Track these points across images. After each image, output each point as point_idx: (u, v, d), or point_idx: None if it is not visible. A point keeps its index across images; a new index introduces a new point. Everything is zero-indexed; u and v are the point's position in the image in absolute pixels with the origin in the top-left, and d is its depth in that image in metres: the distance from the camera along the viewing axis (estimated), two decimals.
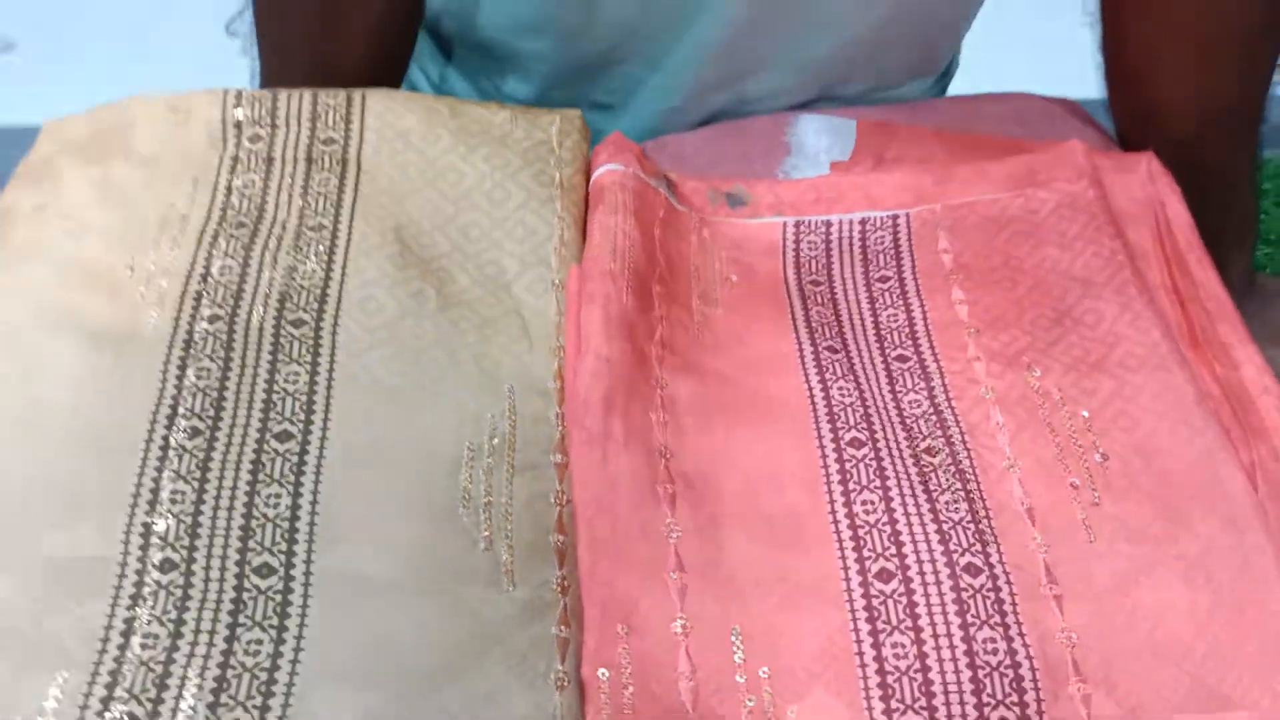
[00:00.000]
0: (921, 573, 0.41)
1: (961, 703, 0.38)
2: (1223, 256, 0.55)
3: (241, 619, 0.38)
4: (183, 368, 0.43)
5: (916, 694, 0.38)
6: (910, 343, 0.49)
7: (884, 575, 0.41)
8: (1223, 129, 0.59)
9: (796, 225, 0.54)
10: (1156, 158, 0.56)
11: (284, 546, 0.39)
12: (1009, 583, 0.40)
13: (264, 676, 0.37)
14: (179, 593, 0.38)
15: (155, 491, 0.40)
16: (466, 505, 0.42)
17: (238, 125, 0.52)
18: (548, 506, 0.42)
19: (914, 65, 0.70)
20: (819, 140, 0.59)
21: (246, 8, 0.58)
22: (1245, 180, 0.62)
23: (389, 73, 0.60)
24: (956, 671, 0.39)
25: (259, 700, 0.36)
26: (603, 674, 0.39)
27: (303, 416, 0.42)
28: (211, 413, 0.42)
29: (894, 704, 0.38)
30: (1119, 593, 0.41)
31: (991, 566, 0.41)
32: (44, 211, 0.48)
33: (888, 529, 0.42)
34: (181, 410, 0.42)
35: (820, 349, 0.48)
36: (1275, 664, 0.39)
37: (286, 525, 0.40)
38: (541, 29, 0.64)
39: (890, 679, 0.39)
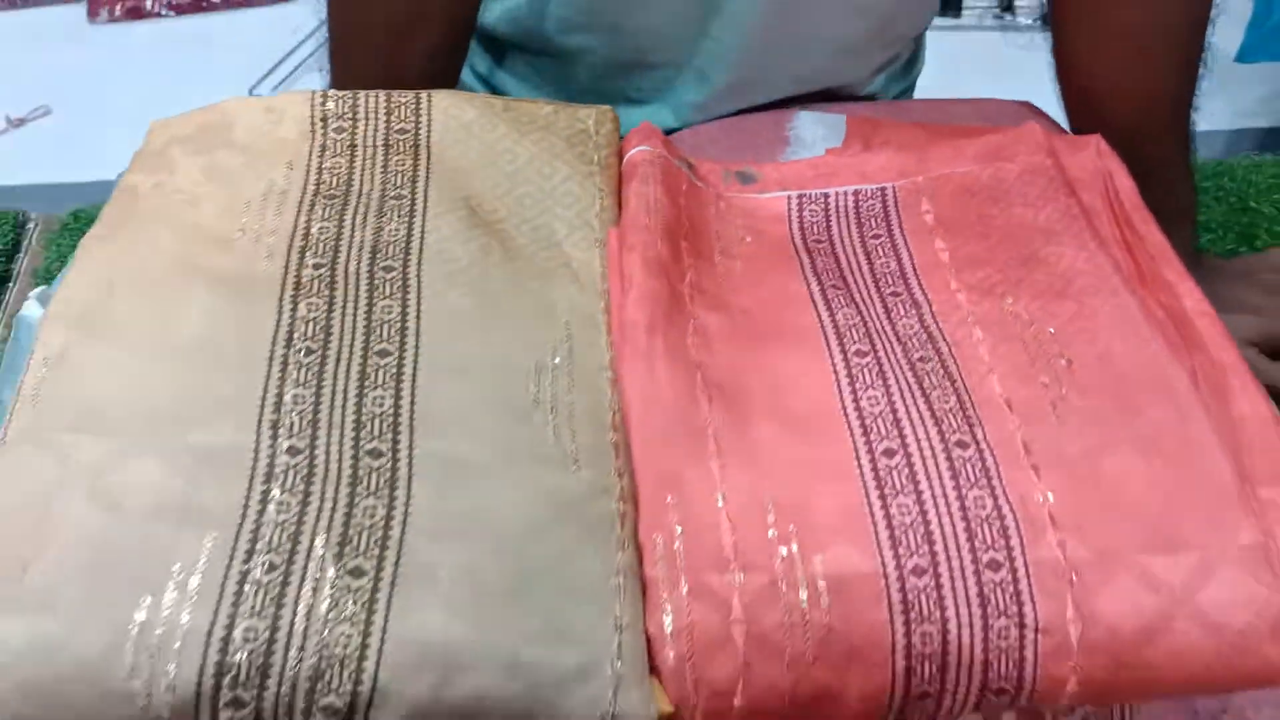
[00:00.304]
0: (920, 449, 0.48)
1: (958, 548, 0.45)
2: (1165, 232, 0.64)
3: (359, 490, 0.45)
4: (295, 303, 0.51)
5: (919, 542, 0.46)
6: (901, 282, 0.57)
7: (888, 453, 0.48)
8: (1158, 115, 0.68)
9: (799, 198, 0.62)
10: (1104, 139, 0.65)
11: (390, 436, 0.47)
12: (993, 455, 0.48)
13: (379, 534, 0.44)
14: (304, 471, 0.45)
15: (279, 397, 0.48)
16: (537, 408, 0.49)
17: (324, 119, 0.60)
18: (603, 411, 0.50)
19: (884, 64, 0.81)
20: (815, 131, 0.67)
21: (271, 72, 0.68)
22: (1182, 162, 0.71)
23: (446, 84, 0.70)
24: (953, 524, 0.46)
25: (376, 551, 0.43)
26: (656, 538, 0.46)
27: (398, 339, 0.50)
28: (321, 337, 0.50)
29: (901, 551, 0.45)
30: (1086, 463, 0.48)
31: (978, 443, 0.48)
32: (162, 188, 0.56)
33: (889, 417, 0.49)
34: (296, 335, 0.50)
35: (826, 288, 0.56)
36: (1215, 516, 0.47)
37: (391, 420, 0.47)
38: (588, 27, 0.75)
39: (898, 532, 0.46)
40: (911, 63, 0.89)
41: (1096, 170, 0.63)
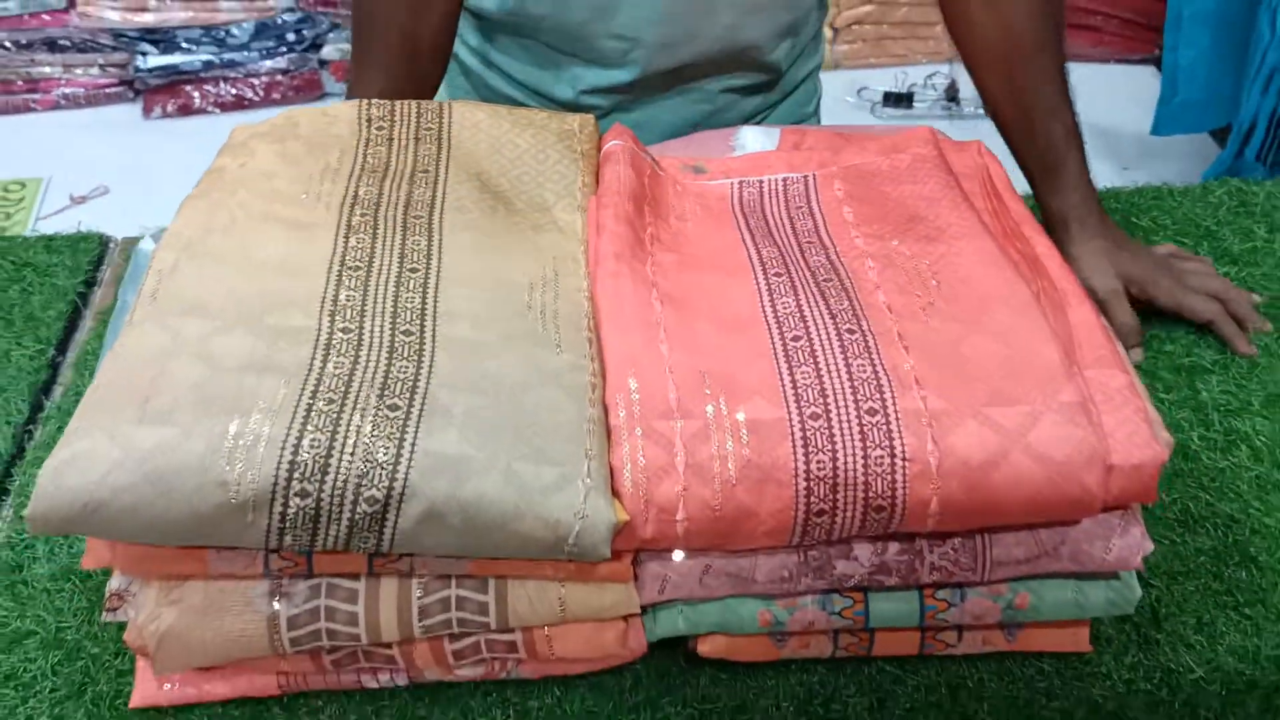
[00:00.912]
0: (819, 336, 0.62)
1: (844, 400, 0.59)
2: (1057, 158, 0.80)
3: (395, 357, 0.59)
4: (346, 239, 0.66)
5: (816, 397, 0.59)
6: (815, 235, 0.71)
7: (795, 339, 0.62)
8: (1031, 60, 0.86)
9: (740, 183, 0.78)
10: (983, 146, 0.80)
11: (418, 323, 0.61)
12: (874, 338, 0.62)
13: (409, 384, 0.57)
14: (354, 344, 0.59)
15: (336, 297, 0.62)
16: (530, 310, 0.63)
17: (369, 120, 0.76)
18: (580, 315, 0.64)
19: (788, 27, 1.01)
20: (755, 141, 0.83)
21: None
22: (1062, 99, 0.87)
23: (447, 49, 0.88)
24: (841, 384, 0.60)
25: (407, 396, 0.57)
26: (618, 397, 0.60)
27: (424, 262, 0.65)
28: (366, 260, 0.64)
29: (802, 403, 0.59)
30: (945, 346, 0.62)
31: (863, 331, 0.62)
32: (245, 167, 0.72)
33: (797, 315, 0.64)
34: (348, 259, 0.64)
35: (757, 238, 0.71)
36: (1045, 383, 0.60)
37: (419, 312, 0.61)
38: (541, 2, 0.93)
39: (800, 390, 0.60)
40: (816, 39, 1.09)
41: (977, 165, 0.78)
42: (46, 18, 1.92)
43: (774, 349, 0.62)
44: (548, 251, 0.68)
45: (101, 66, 1.95)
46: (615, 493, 0.58)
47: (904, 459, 0.58)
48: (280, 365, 0.58)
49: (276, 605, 0.60)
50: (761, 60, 1.01)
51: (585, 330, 0.64)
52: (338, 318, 0.61)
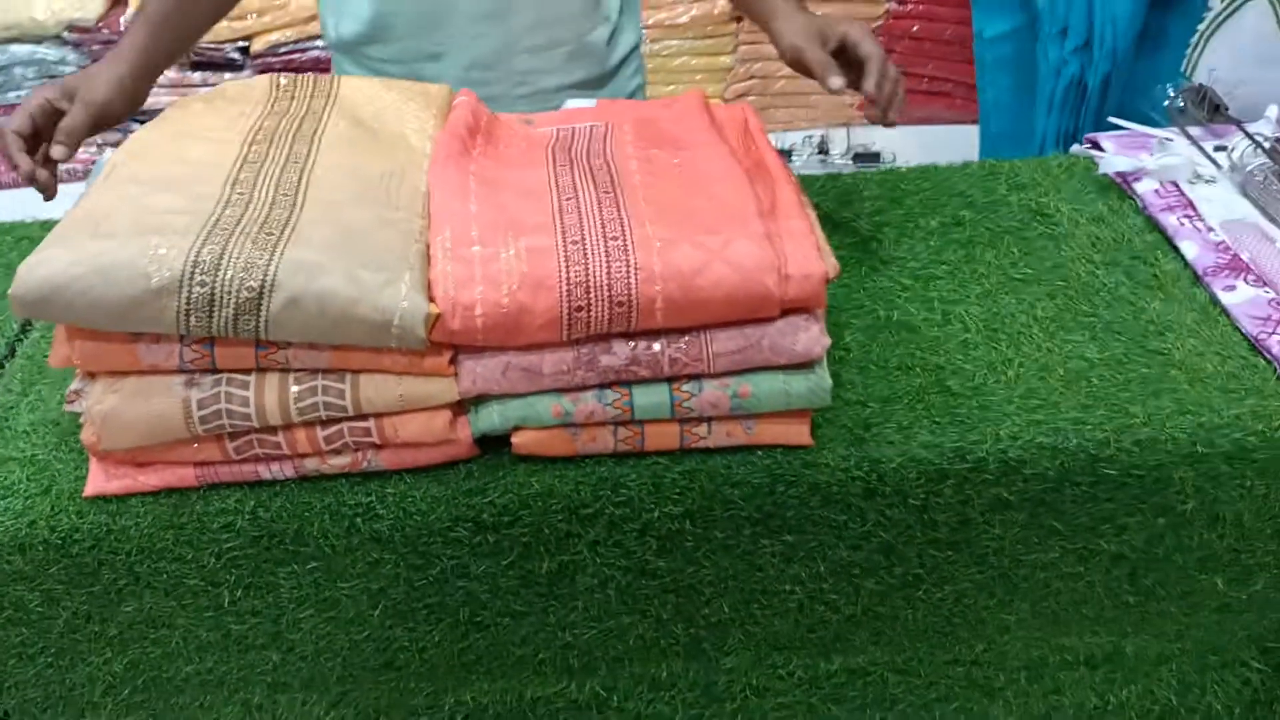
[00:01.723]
0: (585, 197, 0.85)
1: (596, 233, 0.81)
2: None
3: (274, 208, 0.81)
4: (249, 147, 0.88)
5: (576, 233, 0.81)
6: (602, 156, 0.94)
7: (567, 200, 0.85)
8: None
9: (557, 130, 1.01)
10: (749, 106, 1.04)
11: (293, 189, 0.83)
12: (623, 197, 0.84)
13: (282, 222, 0.79)
14: (246, 199, 0.81)
15: (235, 177, 0.84)
16: (380, 185, 0.86)
17: (278, 86, 0.99)
18: (420, 195, 0.86)
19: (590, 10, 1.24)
20: (577, 103, 1.07)
21: None
22: None
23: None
24: (594, 224, 0.82)
25: (279, 228, 0.78)
26: (437, 238, 0.82)
27: (304, 158, 0.87)
28: (260, 157, 0.87)
29: (567, 236, 0.81)
30: (676, 203, 0.84)
31: (616, 194, 0.85)
32: (183, 110, 0.95)
33: (572, 187, 0.86)
34: (249, 157, 0.87)
35: (559, 156, 0.94)
36: (742, 224, 0.82)
37: (295, 184, 0.84)
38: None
39: (566, 228, 0.82)
40: (627, 16, 1.29)
41: (737, 115, 1.02)
42: None
43: (551, 206, 0.85)
44: (399, 158, 0.91)
45: (99, 145, 2.22)
46: (431, 299, 0.79)
47: (635, 269, 0.79)
48: (191, 210, 0.80)
49: (189, 391, 0.80)
50: (585, 41, 1.24)
51: (419, 201, 0.86)
52: (236, 187, 0.83)
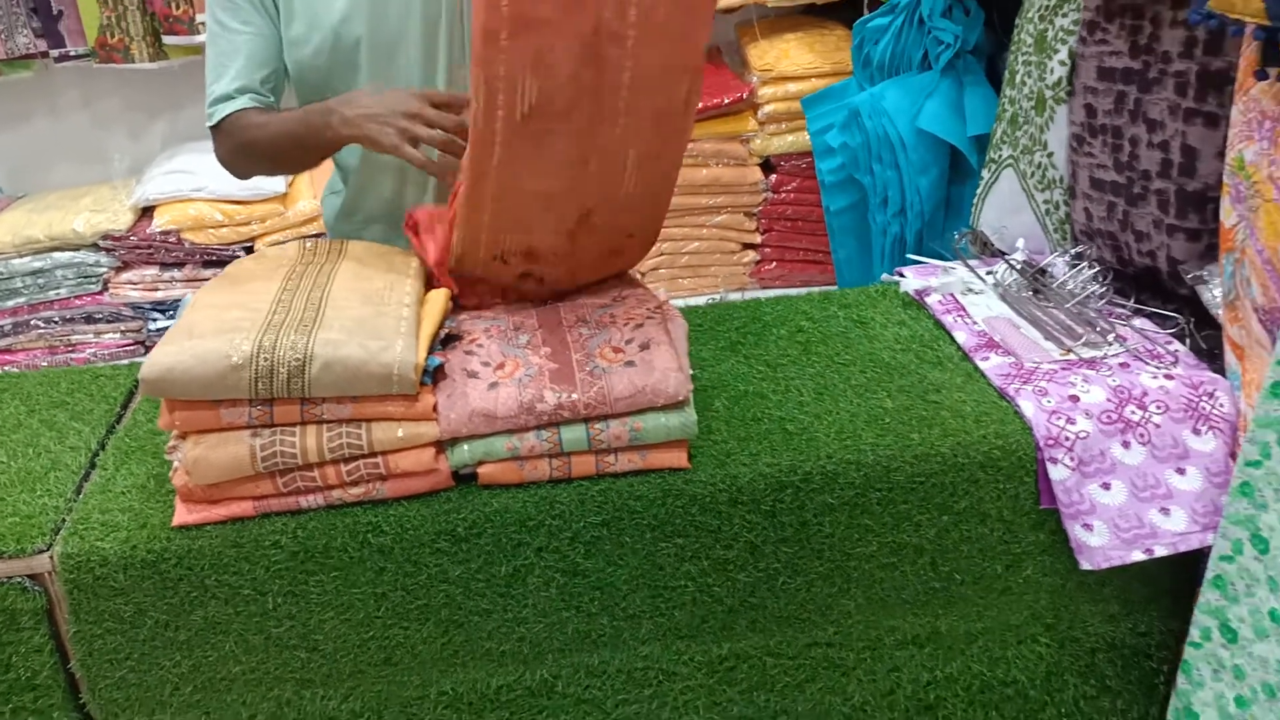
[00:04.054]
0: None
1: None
2: None
3: (305, 314, 1.14)
4: (285, 282, 1.22)
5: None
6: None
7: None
8: None
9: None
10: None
11: (317, 303, 1.17)
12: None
13: (312, 321, 1.13)
14: (286, 311, 1.15)
15: (279, 298, 1.18)
16: (379, 295, 1.20)
17: (304, 246, 1.34)
18: (405, 299, 1.21)
19: None
20: None
21: None
22: None
23: None
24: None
25: (310, 324, 1.12)
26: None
27: (324, 285, 1.21)
28: (294, 287, 1.21)
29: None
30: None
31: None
32: (238, 265, 1.30)
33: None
34: (287, 287, 1.21)
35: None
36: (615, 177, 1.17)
37: (320, 298, 1.17)
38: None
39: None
40: None
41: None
42: (88, 299, 2.52)
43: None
44: (389, 279, 1.25)
45: (122, 332, 2.53)
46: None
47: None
48: (252, 317, 1.13)
49: (254, 440, 1.11)
50: None
51: (405, 301, 1.20)
52: (280, 304, 1.16)
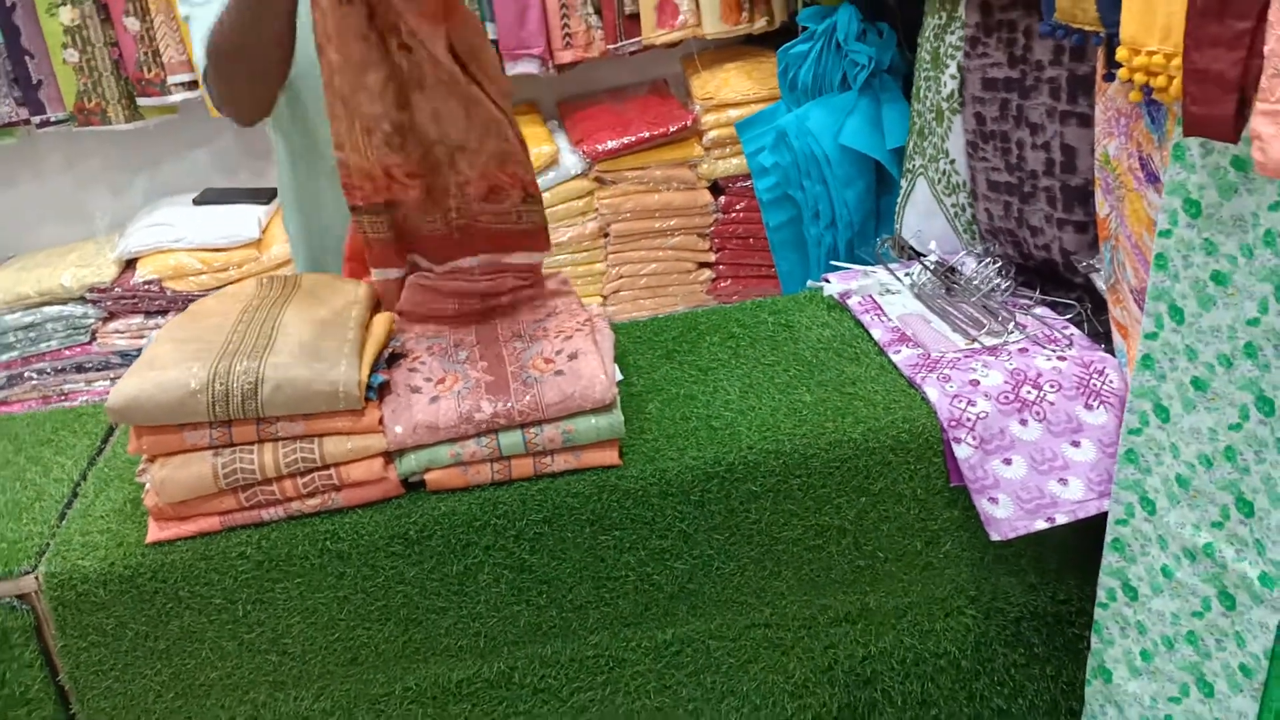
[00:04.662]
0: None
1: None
2: None
3: (257, 342, 1.24)
4: (242, 315, 1.32)
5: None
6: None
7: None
8: None
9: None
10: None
11: (270, 330, 1.26)
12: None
13: (263, 348, 1.22)
14: (240, 339, 1.24)
15: (235, 328, 1.27)
16: (322, 325, 1.29)
17: (262, 282, 1.44)
18: (350, 327, 1.30)
19: None
20: None
21: None
22: None
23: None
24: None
25: (262, 350, 1.21)
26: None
27: (276, 315, 1.31)
28: (249, 319, 1.30)
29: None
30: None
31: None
32: (201, 304, 1.39)
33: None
34: (242, 319, 1.30)
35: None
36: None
37: (272, 328, 1.27)
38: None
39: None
40: None
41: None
42: (77, 349, 2.62)
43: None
44: (337, 307, 1.34)
45: (111, 379, 2.62)
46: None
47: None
48: (209, 347, 1.22)
49: (216, 459, 1.20)
50: None
51: (351, 330, 1.29)
52: (235, 334, 1.25)
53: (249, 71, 1.39)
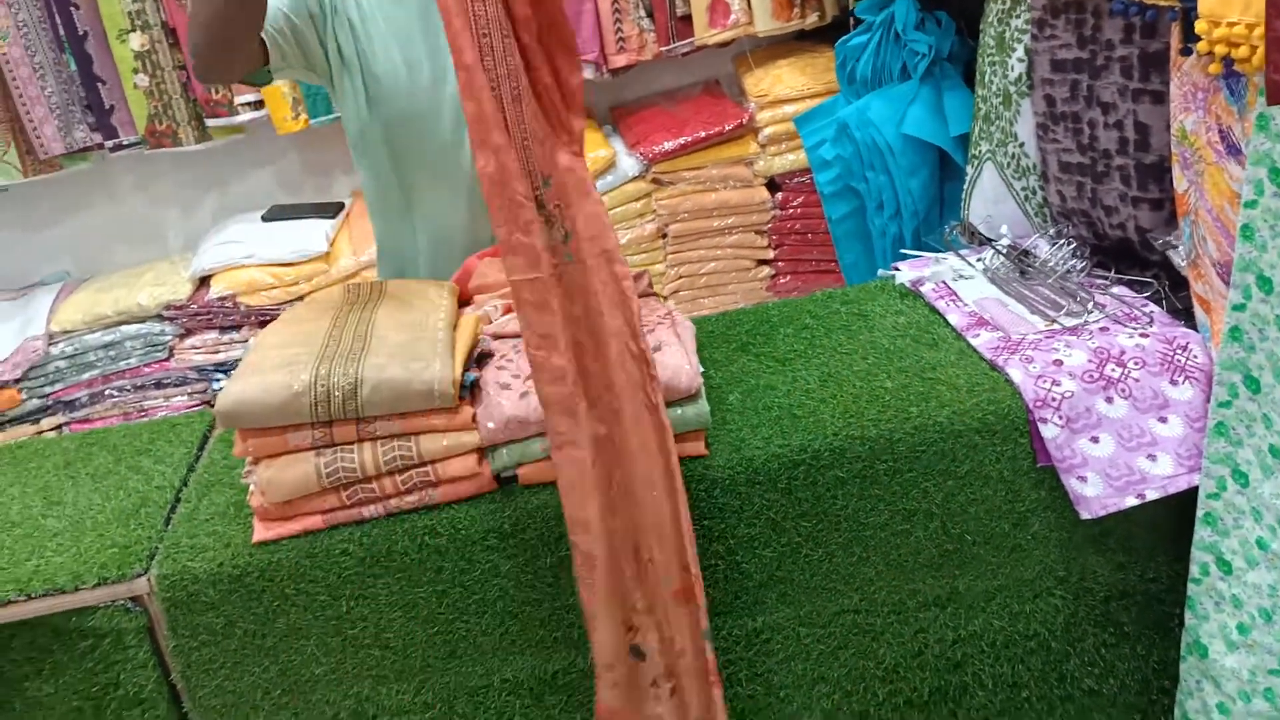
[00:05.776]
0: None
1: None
2: None
3: (354, 344, 1.27)
4: (334, 320, 1.35)
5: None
6: None
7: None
8: None
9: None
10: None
11: (365, 334, 1.29)
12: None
13: (359, 351, 1.25)
14: (337, 342, 1.27)
15: (330, 331, 1.31)
16: (418, 322, 1.32)
17: (348, 290, 1.48)
18: (439, 327, 1.33)
19: None
20: None
21: None
22: None
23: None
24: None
25: (359, 353, 1.24)
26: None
27: (367, 320, 1.34)
28: (343, 325, 1.34)
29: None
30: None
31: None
32: (293, 310, 1.43)
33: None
34: (336, 323, 1.34)
35: None
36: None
37: (366, 332, 1.30)
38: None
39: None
40: None
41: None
42: (156, 366, 2.69)
43: None
44: (425, 309, 1.37)
45: (189, 394, 2.69)
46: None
47: None
48: (308, 351, 1.25)
49: (319, 459, 1.23)
50: None
51: (440, 329, 1.32)
52: (330, 339, 1.29)
53: (224, 32, 1.42)
